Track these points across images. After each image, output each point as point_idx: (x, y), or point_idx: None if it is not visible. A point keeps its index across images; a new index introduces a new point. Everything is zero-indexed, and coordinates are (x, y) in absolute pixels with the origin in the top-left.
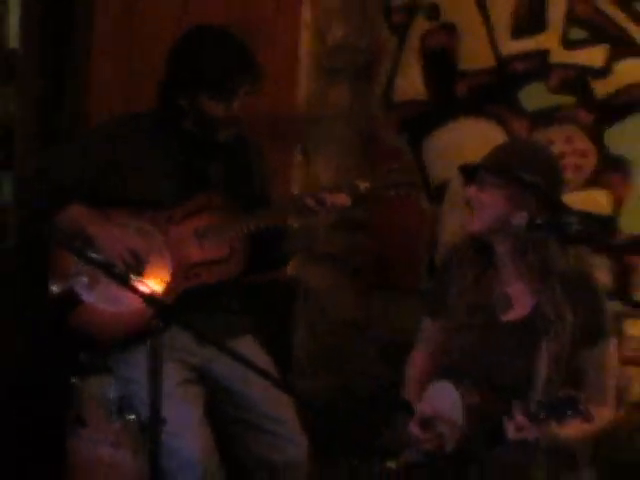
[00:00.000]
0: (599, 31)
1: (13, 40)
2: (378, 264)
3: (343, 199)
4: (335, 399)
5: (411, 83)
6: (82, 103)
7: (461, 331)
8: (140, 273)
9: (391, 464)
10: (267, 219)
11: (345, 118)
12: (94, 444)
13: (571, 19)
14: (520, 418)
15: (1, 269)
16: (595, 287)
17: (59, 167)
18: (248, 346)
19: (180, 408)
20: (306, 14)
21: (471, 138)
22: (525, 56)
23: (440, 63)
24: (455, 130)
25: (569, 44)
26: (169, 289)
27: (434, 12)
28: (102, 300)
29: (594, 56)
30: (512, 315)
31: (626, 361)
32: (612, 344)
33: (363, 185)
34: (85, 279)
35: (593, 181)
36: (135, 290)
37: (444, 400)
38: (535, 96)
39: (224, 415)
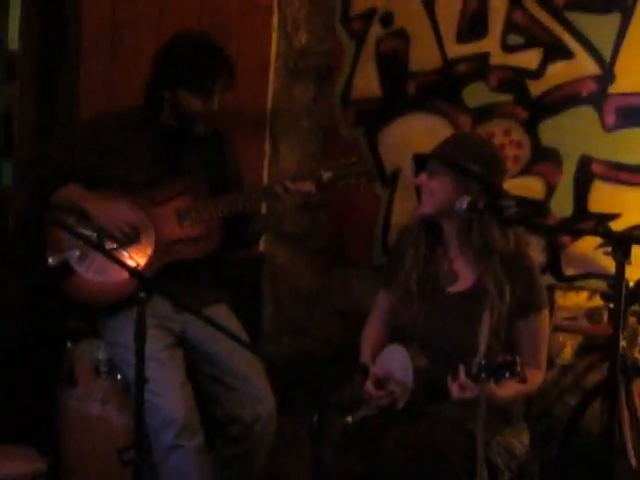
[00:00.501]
0: (534, 37)
1: (13, 42)
2: (337, 243)
3: (308, 186)
4: (298, 362)
5: (367, 82)
6: (74, 98)
7: (411, 299)
8: (129, 247)
9: (348, 419)
10: (240, 204)
11: (308, 113)
12: (83, 401)
13: (509, 26)
14: (463, 379)
15: (2, 246)
16: (531, 265)
17: (59, 152)
18: (222, 313)
19: (164, 370)
20: (275, 22)
21: (420, 131)
22: (468, 59)
23: (393, 65)
24: (406, 124)
25: (507, 48)
26: (151, 262)
27: (388, 20)
28: (92, 271)
29: (529, 59)
30: (456, 287)
31: (557, 328)
32: (545, 315)
33: (326, 175)
34: (77, 252)
35: (528, 170)
36: (120, 262)
37: (396, 362)
38: (477, 94)
39: (200, 375)
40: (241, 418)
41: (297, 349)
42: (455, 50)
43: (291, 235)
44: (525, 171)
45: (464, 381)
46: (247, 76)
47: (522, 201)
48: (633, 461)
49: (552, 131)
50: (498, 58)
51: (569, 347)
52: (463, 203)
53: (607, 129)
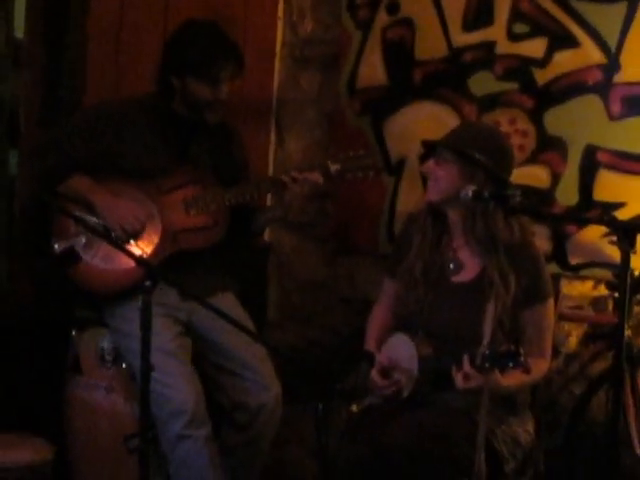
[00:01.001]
0: (540, 25)
1: (19, 31)
2: (342, 231)
3: (316, 177)
4: (303, 350)
5: (373, 71)
6: (80, 86)
7: (416, 287)
8: (137, 237)
9: (353, 407)
10: (248, 193)
11: (314, 102)
12: (89, 389)
13: (515, 14)
14: (467, 368)
15: (8, 235)
16: (536, 254)
17: (69, 140)
18: (228, 302)
19: (173, 361)
20: (281, 11)
21: (426, 120)
22: (474, 47)
23: (399, 53)
24: (412, 112)
25: (513, 37)
26: (158, 251)
27: (394, 8)
28: (98, 258)
29: (535, 48)
30: (461, 277)
31: (562, 317)
32: (550, 304)
33: (334, 167)
34: (84, 239)
35: (533, 158)
36: (126, 251)
37: (402, 351)
38: (483, 83)
39: (206, 363)
40: (247, 406)
41: (302, 337)
42: (461, 39)
43: (297, 223)
44: (530, 160)
45: (468, 370)
46: (253, 65)
47: (527, 190)
48: (638, 450)
49: (558, 120)
50: (504, 47)
51: (574, 336)
52: (468, 191)
53: (613, 118)
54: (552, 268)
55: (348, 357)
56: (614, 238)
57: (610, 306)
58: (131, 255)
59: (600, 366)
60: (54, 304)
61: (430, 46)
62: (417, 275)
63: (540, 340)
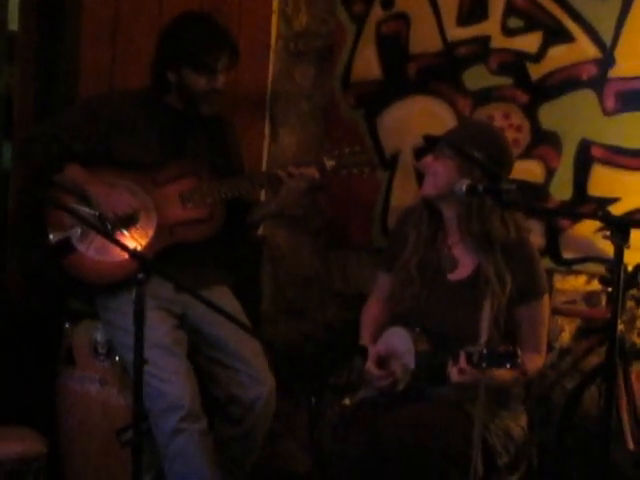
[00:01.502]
0: (534, 20)
1: (13, 22)
2: (336, 225)
3: (312, 171)
4: (297, 343)
5: (367, 65)
6: (74, 78)
7: (412, 284)
8: (130, 228)
9: (346, 401)
10: (244, 187)
11: (308, 95)
12: (82, 382)
13: (510, 9)
14: (463, 363)
15: (2, 227)
16: (531, 252)
17: (64, 130)
18: (223, 295)
19: (169, 356)
20: (275, 4)
21: (420, 114)
22: (468, 41)
23: (393, 47)
24: (406, 106)
25: (508, 31)
26: (153, 243)
27: (389, 2)
28: (93, 250)
29: (530, 42)
30: (456, 275)
31: (555, 312)
32: (545, 301)
33: (329, 163)
34: (79, 230)
35: (527, 153)
36: (119, 244)
37: (399, 344)
38: (477, 77)
39: (200, 356)
40: (241, 399)
41: (296, 331)
42: (455, 33)
43: (290, 217)
44: (525, 154)
45: (464, 366)
46: (247, 58)
47: (522, 185)
48: (630, 444)
49: (552, 114)
50: (498, 41)
51: (567, 331)
52: (462, 186)
53: (607, 113)
54: (545, 263)
55: (341, 351)
56: (608, 233)
57: (603, 301)
58: (124, 248)
59: (593, 361)
60: (47, 296)
61: (425, 40)
62: (413, 271)
63: (535, 336)
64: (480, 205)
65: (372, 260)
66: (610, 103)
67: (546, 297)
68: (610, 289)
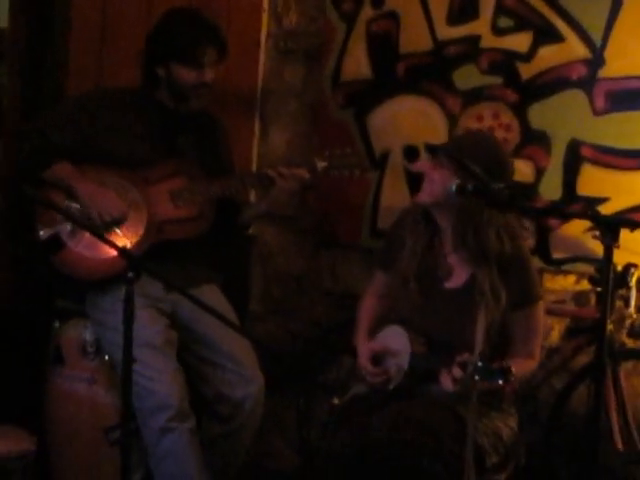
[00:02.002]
0: (524, 20)
1: (2, 21)
2: (325, 224)
3: (303, 172)
4: (285, 342)
5: (357, 64)
6: (63, 75)
7: (409, 290)
8: (116, 228)
9: (335, 400)
10: (234, 187)
11: (298, 94)
12: (71, 380)
13: (500, 9)
14: (457, 372)
15: None
16: (526, 261)
17: (54, 127)
18: (212, 294)
19: (159, 356)
20: (265, 2)
21: (410, 113)
22: (459, 41)
23: (383, 46)
24: (396, 106)
25: (498, 31)
26: (142, 241)
27: (379, 1)
28: (82, 246)
29: (520, 42)
30: (451, 283)
31: (545, 311)
32: (539, 307)
33: (320, 164)
34: (69, 227)
35: (517, 153)
36: (108, 242)
37: (396, 343)
38: (467, 76)
39: (189, 354)
40: (230, 398)
41: (285, 330)
42: (445, 32)
43: (280, 216)
44: (514, 154)
45: (457, 375)
46: (237, 57)
47: (512, 185)
48: (619, 444)
49: (542, 114)
50: (488, 41)
51: (556, 330)
52: (452, 186)
53: (597, 113)
54: (535, 262)
55: (330, 350)
56: (597, 233)
57: (592, 300)
58: (114, 246)
59: (582, 360)
60: (36, 295)
61: (415, 39)
62: (410, 279)
63: (529, 342)
64: (475, 218)
65: (361, 259)
66: (600, 103)
67: (540, 303)
68: (599, 289)
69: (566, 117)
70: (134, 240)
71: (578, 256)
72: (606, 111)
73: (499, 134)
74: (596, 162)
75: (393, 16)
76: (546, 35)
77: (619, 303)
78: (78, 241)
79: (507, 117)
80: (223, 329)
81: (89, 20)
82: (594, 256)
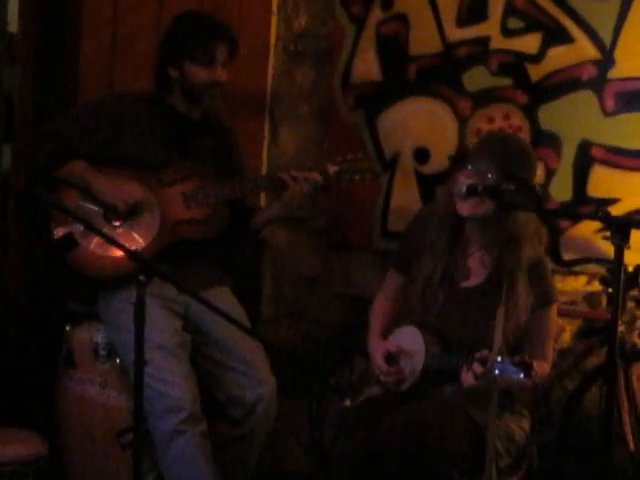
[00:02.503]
0: (534, 21)
1: (13, 25)
2: (336, 226)
3: (315, 176)
4: (297, 344)
5: (367, 66)
6: (74, 80)
7: (431, 292)
8: (134, 222)
9: (347, 402)
10: (247, 189)
11: (308, 97)
12: (83, 384)
13: (509, 10)
14: (478, 368)
15: (2, 230)
16: (547, 267)
17: (70, 128)
18: (224, 296)
19: (172, 359)
20: (275, 5)
21: (420, 115)
22: (468, 42)
23: (393, 48)
24: (406, 108)
25: (507, 32)
26: (156, 240)
27: (388, 3)
28: (95, 244)
29: (529, 43)
30: (469, 283)
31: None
32: (554, 310)
33: (332, 169)
34: (82, 226)
35: None
36: (118, 244)
37: (410, 343)
38: (477, 78)
39: (202, 357)
40: (242, 400)
41: (296, 332)
42: (455, 34)
43: (291, 218)
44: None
45: (479, 371)
46: (247, 59)
47: (524, 185)
48: (631, 445)
49: (552, 115)
50: (498, 42)
51: (568, 331)
52: (462, 187)
53: (607, 113)
54: None
55: (342, 352)
56: (608, 234)
57: (604, 302)
58: (124, 249)
59: (594, 361)
60: (48, 298)
61: (424, 41)
62: (435, 282)
63: (542, 344)
64: (514, 231)
65: (373, 261)
66: (610, 104)
67: (554, 306)
68: (610, 290)
69: (576, 118)
70: (148, 240)
71: (589, 257)
72: (616, 112)
73: None
74: (606, 163)
75: (402, 18)
76: (556, 36)
77: (630, 304)
78: (91, 240)
79: (517, 118)
80: (235, 331)
81: (101, 23)
82: (605, 257)
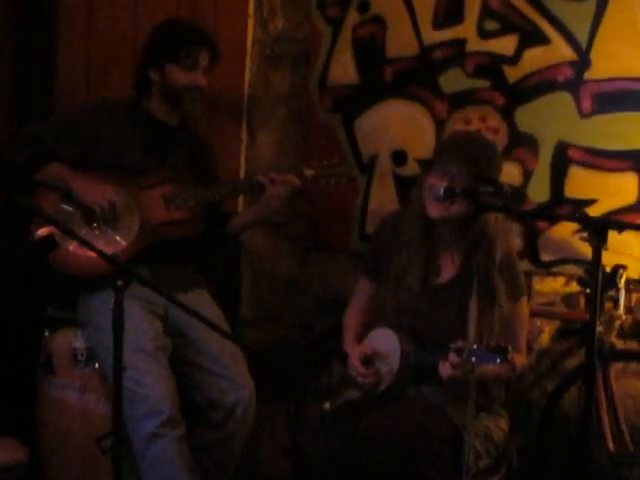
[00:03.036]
0: (510, 23)
1: None
2: (314, 229)
3: (293, 178)
4: (276, 348)
5: (344, 69)
6: (50, 81)
7: (402, 293)
8: (113, 222)
9: (326, 405)
10: (225, 192)
11: (285, 100)
12: (62, 389)
13: (486, 12)
14: (454, 357)
15: None
16: (514, 260)
17: (48, 134)
18: (203, 299)
19: (151, 361)
20: (251, 8)
21: (397, 117)
22: (445, 45)
23: (370, 51)
24: (383, 110)
25: (484, 34)
26: (135, 242)
27: (364, 6)
28: (75, 245)
29: (506, 45)
30: (440, 279)
31: (534, 313)
32: (524, 302)
33: (309, 172)
34: None
35: (505, 155)
36: (96, 250)
37: (385, 344)
38: (454, 80)
39: (181, 360)
40: (222, 404)
41: (275, 335)
42: (432, 36)
43: (269, 222)
44: (502, 157)
45: (455, 360)
46: (224, 63)
47: (500, 187)
48: (610, 445)
49: (529, 117)
50: (474, 44)
51: (546, 332)
52: (440, 189)
53: (583, 115)
54: (524, 265)
55: (321, 355)
56: (585, 235)
57: (582, 302)
58: (101, 254)
59: (572, 362)
60: (27, 303)
61: (401, 44)
62: (408, 280)
63: (515, 336)
64: (478, 222)
65: (351, 264)
66: (586, 105)
67: (524, 299)
68: (588, 290)
69: (553, 119)
70: (128, 240)
71: (567, 258)
72: (593, 113)
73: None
74: (583, 164)
75: (379, 21)
76: (532, 37)
77: (608, 304)
78: (71, 241)
79: (494, 120)
80: (214, 335)
81: (76, 26)
82: (583, 258)
